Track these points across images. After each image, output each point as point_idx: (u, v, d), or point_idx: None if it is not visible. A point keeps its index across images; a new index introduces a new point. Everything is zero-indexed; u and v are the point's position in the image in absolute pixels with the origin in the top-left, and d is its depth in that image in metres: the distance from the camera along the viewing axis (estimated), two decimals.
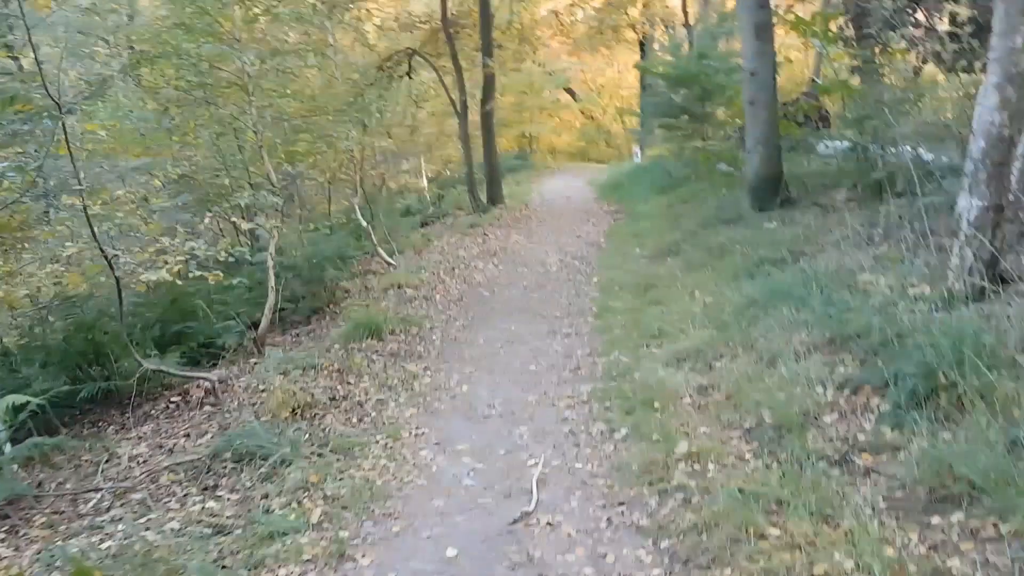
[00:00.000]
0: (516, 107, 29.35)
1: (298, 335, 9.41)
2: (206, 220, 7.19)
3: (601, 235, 13.87)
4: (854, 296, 6.19)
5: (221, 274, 6.62)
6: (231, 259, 7.50)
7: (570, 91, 36.01)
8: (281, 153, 9.84)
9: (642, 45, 28.97)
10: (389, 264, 12.23)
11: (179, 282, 6.15)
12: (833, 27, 12.53)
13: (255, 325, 8.66)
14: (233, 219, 7.76)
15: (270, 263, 8.33)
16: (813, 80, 17.91)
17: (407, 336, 8.43)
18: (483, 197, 18.29)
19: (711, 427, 4.93)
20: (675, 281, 8.88)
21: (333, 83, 13.04)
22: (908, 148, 9.38)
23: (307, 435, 5.61)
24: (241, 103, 8.17)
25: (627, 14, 26.35)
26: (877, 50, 11.74)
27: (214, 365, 8.17)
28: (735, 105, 16.38)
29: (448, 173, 24.49)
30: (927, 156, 8.95)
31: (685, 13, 26.49)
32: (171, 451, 5.82)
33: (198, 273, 6.27)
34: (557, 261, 11.95)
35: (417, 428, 5.64)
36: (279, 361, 7.19)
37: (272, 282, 8.35)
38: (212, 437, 5.94)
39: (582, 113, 37.17)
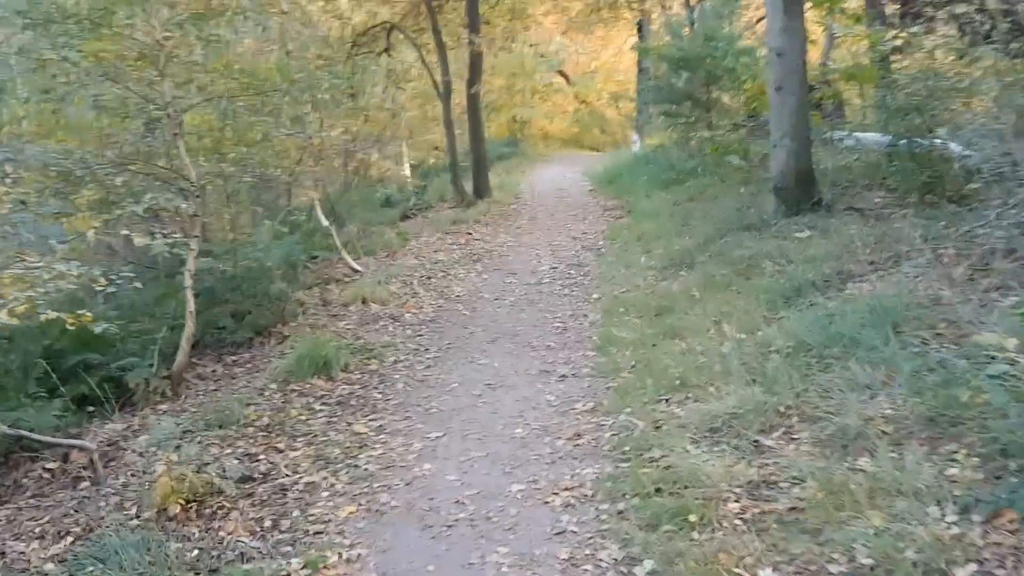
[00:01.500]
0: (507, 90, 27.58)
1: (234, 364, 7.74)
2: (89, 233, 5.51)
3: (600, 236, 12.20)
4: (950, 349, 4.60)
5: (90, 314, 4.92)
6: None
7: (563, 74, 34.24)
8: (209, 142, 8.11)
9: (640, 27, 27.25)
10: (355, 271, 10.55)
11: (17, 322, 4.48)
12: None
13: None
14: (125, 231, 6.05)
15: (188, 283, 6.65)
16: (824, 64, 16.31)
17: (363, 374, 6.77)
18: (469, 188, 16.59)
19: (781, 567, 3.31)
20: (693, 304, 7.25)
21: (292, 58, 11.31)
22: (955, 144, 7.84)
23: (195, 551, 3.96)
24: (150, 78, 6.47)
25: None
26: (920, 31, 10.17)
27: (124, 407, 6.54)
28: (746, 91, 14.86)
29: (433, 161, 22.73)
30: (987, 154, 7.34)
31: None
32: (8, 566, 4.16)
33: (53, 315, 4.59)
34: (550, 269, 10.28)
35: (351, 547, 3.96)
36: (174, 427, 5.50)
37: (191, 306, 6.68)
38: (73, 542, 4.29)
39: (575, 97, 35.38)
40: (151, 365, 6.80)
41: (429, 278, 10.09)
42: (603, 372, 6.27)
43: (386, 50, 18.13)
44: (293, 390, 6.44)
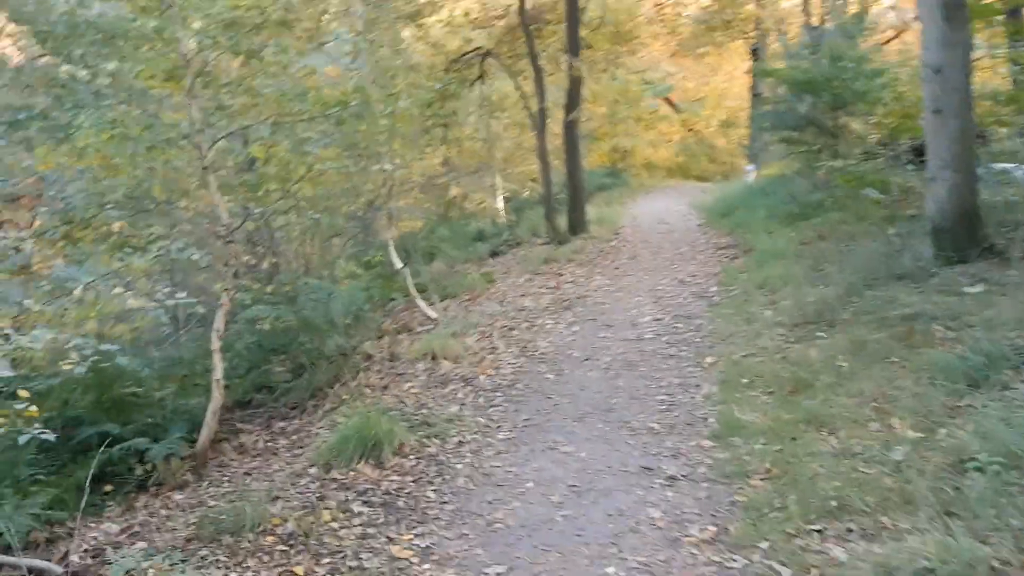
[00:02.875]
0: (608, 118, 26.22)
1: (280, 433, 6.62)
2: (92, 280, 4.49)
3: (712, 280, 10.61)
4: None
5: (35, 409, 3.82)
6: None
7: (669, 101, 32.64)
8: (275, 171, 7.07)
9: (755, 52, 25.50)
10: (430, 318, 9.35)
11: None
12: None
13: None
14: (122, 291, 4.94)
15: (214, 345, 5.56)
16: None
17: (419, 460, 5.48)
18: (563, 223, 15.27)
19: None
20: (841, 379, 5.66)
21: (377, 86, 10.32)
22: None
23: None
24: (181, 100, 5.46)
25: (743, 9, 22.90)
26: None
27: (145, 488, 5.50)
28: (882, 115, 13.15)
29: (528, 193, 21.57)
30: None
31: (807, 13, 22.99)
32: None
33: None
34: (653, 321, 8.79)
35: None
36: (183, 527, 4.34)
37: (218, 373, 5.58)
38: None
39: (682, 125, 33.65)
40: (184, 438, 5.75)
41: (511, 329, 8.77)
42: (725, 474, 4.78)
43: (480, 77, 17.15)
44: (334, 479, 5.21)
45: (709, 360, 7.11)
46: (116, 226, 5.42)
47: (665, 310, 9.22)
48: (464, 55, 16.82)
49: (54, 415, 5.51)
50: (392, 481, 5.16)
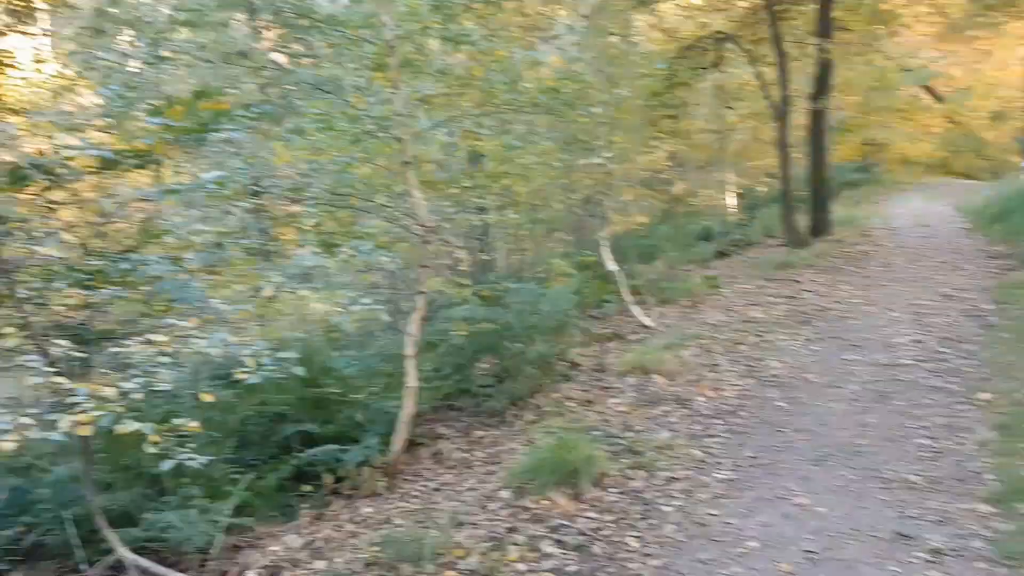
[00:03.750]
0: (861, 107, 23.75)
1: (478, 443, 6.22)
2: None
3: (985, 297, 8.93)
4: None
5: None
6: None
7: (930, 90, 29.11)
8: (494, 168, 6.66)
9: None
10: (644, 326, 8.60)
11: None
12: None
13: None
14: (307, 293, 4.65)
15: (409, 351, 5.21)
16: None
17: (621, 494, 4.80)
18: (804, 223, 13.82)
19: None
20: None
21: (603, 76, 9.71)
22: None
23: None
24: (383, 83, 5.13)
25: None
26: None
27: (337, 492, 5.31)
28: None
29: (764, 189, 20.01)
30: None
31: None
32: None
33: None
34: (911, 343, 7.44)
35: None
36: (365, 546, 3.99)
37: (411, 381, 5.23)
38: None
39: (945, 117, 29.89)
40: (381, 443, 5.51)
41: (737, 344, 7.80)
42: (1009, 554, 3.67)
43: (715, 64, 15.99)
44: (525, 508, 4.67)
45: (984, 397, 5.80)
46: (311, 223, 5.25)
47: (926, 330, 7.80)
48: (699, 40, 15.75)
49: (253, 413, 5.47)
50: (589, 518, 4.53)
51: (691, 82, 15.11)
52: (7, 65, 7.28)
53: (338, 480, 5.36)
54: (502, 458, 5.74)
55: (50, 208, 6.95)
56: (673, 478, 4.99)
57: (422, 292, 5.46)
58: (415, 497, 5.19)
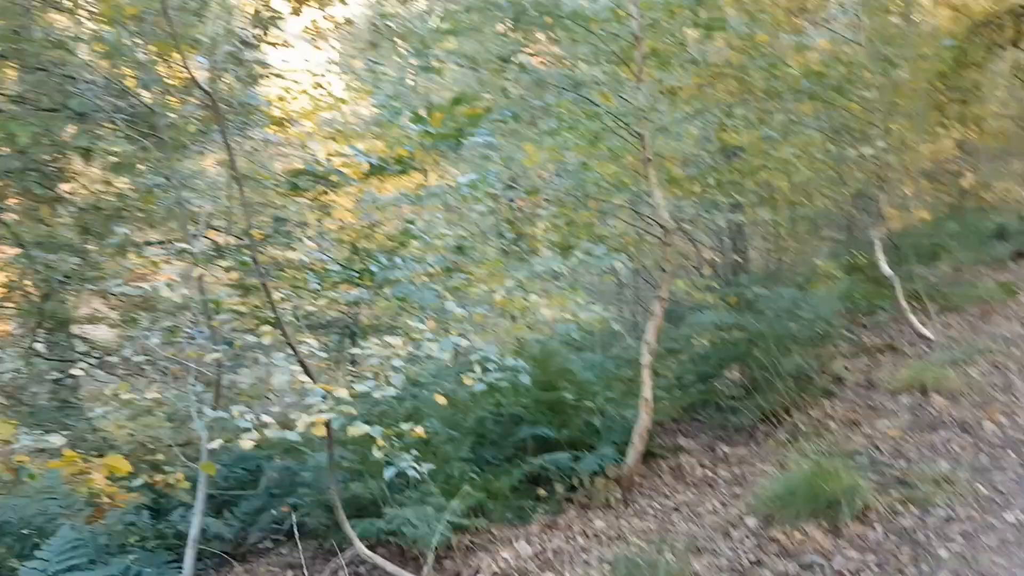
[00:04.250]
0: None
1: (724, 460, 5.81)
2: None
3: None
4: None
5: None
6: None
7: None
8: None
9: None
10: (923, 337, 7.60)
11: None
12: None
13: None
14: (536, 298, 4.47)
15: (644, 359, 4.94)
16: None
17: (887, 534, 4.19)
18: None
19: None
20: None
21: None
22: None
23: None
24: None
25: None
26: None
27: (571, 501, 5.22)
28: None
29: None
30: None
31: None
32: None
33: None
34: None
35: None
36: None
37: (647, 391, 4.96)
38: None
39: None
40: (616, 452, 5.34)
41: None
42: None
43: (1014, 42, 13.91)
44: (774, 540, 4.24)
45: None
46: (545, 225, 5.17)
47: None
48: (995, 16, 13.78)
49: (488, 414, 5.51)
50: (848, 557, 4.00)
51: (984, 62, 13.26)
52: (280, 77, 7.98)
53: (571, 488, 5.25)
54: (749, 479, 5.31)
55: (324, 211, 7.54)
56: (952, 518, 4.28)
57: (661, 297, 5.18)
58: (650, 514, 4.93)
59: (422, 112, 5.09)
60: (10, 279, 7.55)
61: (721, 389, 6.56)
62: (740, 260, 8.78)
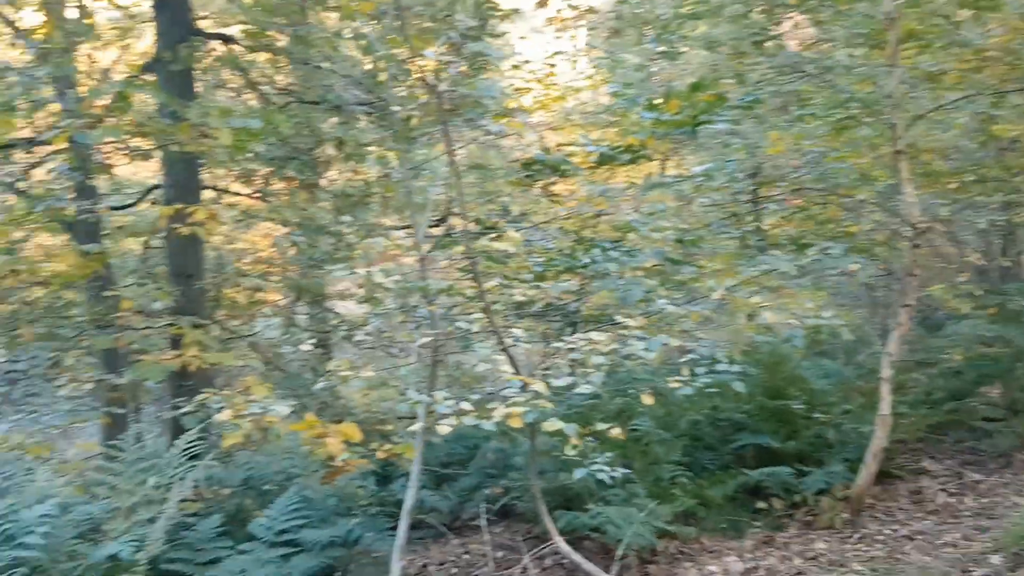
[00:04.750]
0: None
1: (970, 489, 5.15)
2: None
3: None
4: None
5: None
6: None
7: None
8: None
9: None
10: None
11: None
12: None
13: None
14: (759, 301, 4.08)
15: (884, 372, 4.45)
16: None
17: None
18: None
19: None
20: None
21: None
22: None
23: None
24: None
25: None
26: None
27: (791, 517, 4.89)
28: None
29: None
30: None
31: None
32: None
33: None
34: None
35: None
36: None
37: (884, 408, 4.47)
38: None
39: None
40: (847, 469, 4.91)
41: None
42: None
43: None
44: None
45: None
46: (773, 221, 4.79)
47: None
48: None
49: (703, 417, 5.27)
50: None
51: None
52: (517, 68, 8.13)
53: (793, 505, 4.89)
54: (999, 512, 4.67)
55: (553, 200, 7.62)
56: None
57: (907, 305, 4.64)
58: (880, 541, 4.47)
59: (658, 100, 4.96)
60: (274, 255, 8.43)
61: (976, 409, 5.82)
62: (1009, 266, 7.71)
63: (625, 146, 5.24)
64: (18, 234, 6.15)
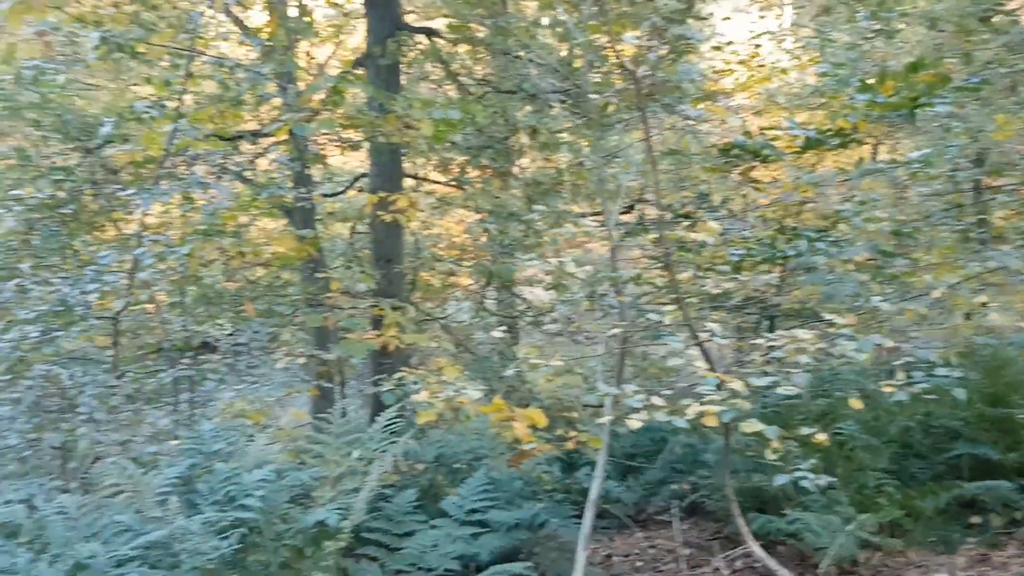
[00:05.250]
0: None
1: None
2: None
3: None
4: None
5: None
6: None
7: None
8: None
9: None
10: None
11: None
12: None
13: None
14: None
15: None
16: None
17: None
18: None
19: None
20: None
21: None
22: None
23: None
24: None
25: None
26: None
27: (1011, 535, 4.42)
28: None
29: None
30: None
31: None
32: None
33: None
34: None
35: None
36: None
37: None
38: None
39: None
40: None
41: None
42: None
43: None
44: None
45: None
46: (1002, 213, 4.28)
47: None
48: None
49: (915, 424, 4.83)
50: None
51: None
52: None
53: (1013, 522, 4.41)
54: None
55: (754, 187, 7.30)
56: None
57: None
58: None
59: (872, 80, 4.63)
60: (468, 241, 8.68)
61: None
62: None
63: (835, 130, 4.97)
64: (244, 219, 6.71)
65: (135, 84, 7.70)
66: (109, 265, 4.69)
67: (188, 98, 4.99)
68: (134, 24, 4.59)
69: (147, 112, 4.39)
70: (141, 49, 4.63)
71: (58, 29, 5.82)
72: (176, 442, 4.56)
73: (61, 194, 5.66)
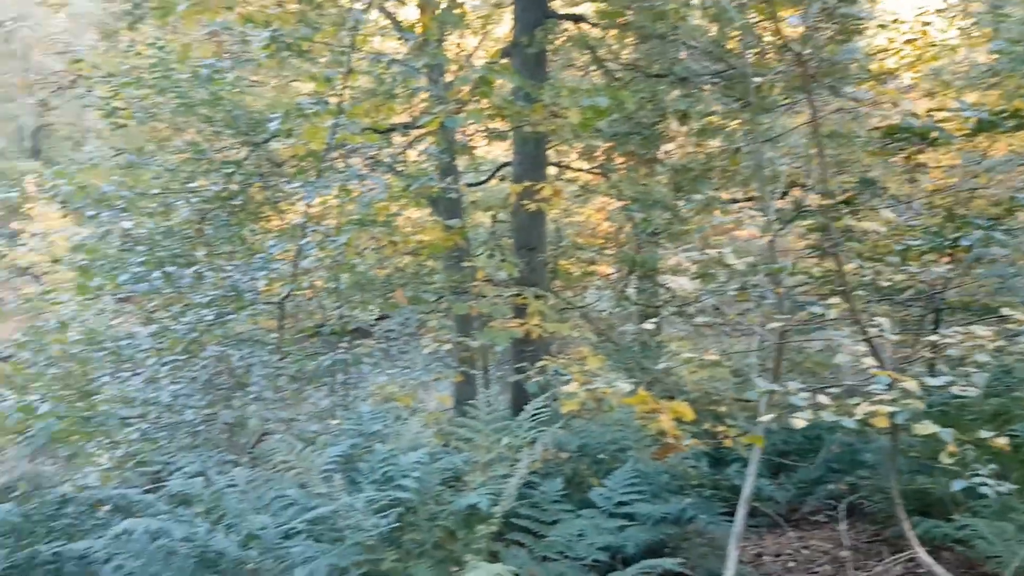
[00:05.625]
0: None
1: None
2: None
3: None
4: None
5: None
6: None
7: None
8: None
9: None
10: None
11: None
12: None
13: None
14: None
15: None
16: None
17: None
18: None
19: None
20: None
21: None
22: None
23: None
24: None
25: None
26: None
27: None
28: None
29: None
30: None
31: None
32: None
33: None
34: None
35: None
36: None
37: None
38: None
39: None
40: None
41: None
42: None
43: None
44: None
45: None
46: None
47: None
48: None
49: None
50: None
51: None
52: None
53: None
54: None
55: (919, 172, 6.83)
56: None
57: None
58: None
59: None
60: (610, 229, 8.60)
61: None
62: None
63: (1010, 111, 4.59)
64: (393, 208, 6.93)
65: (295, 80, 8.09)
66: (275, 254, 4.96)
67: (346, 93, 5.18)
68: (300, 23, 4.81)
69: (312, 108, 4.59)
70: (306, 47, 4.84)
71: (229, 29, 6.18)
72: (335, 422, 4.77)
73: (232, 186, 6.02)
